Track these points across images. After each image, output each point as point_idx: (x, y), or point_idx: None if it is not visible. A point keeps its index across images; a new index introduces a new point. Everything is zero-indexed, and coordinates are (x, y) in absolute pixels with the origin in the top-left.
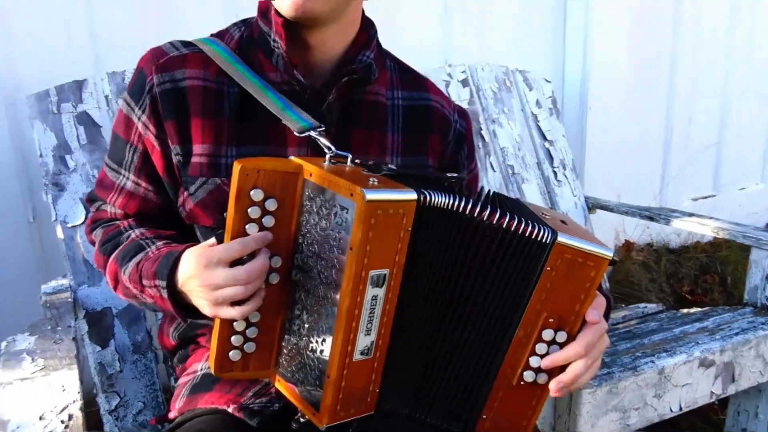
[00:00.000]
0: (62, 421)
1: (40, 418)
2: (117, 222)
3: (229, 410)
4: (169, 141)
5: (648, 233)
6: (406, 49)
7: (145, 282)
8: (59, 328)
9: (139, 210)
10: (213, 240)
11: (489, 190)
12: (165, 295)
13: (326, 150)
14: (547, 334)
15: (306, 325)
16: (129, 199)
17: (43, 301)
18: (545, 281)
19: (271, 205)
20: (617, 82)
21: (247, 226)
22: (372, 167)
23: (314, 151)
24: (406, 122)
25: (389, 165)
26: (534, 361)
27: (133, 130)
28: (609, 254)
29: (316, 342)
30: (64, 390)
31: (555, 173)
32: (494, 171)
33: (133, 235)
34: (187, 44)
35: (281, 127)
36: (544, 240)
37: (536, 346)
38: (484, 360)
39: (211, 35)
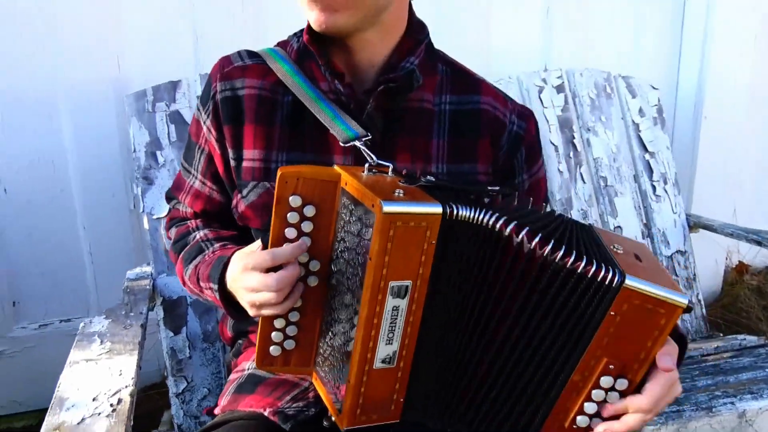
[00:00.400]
0: (111, 405)
1: (93, 399)
2: (187, 222)
3: (265, 413)
4: (227, 144)
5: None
6: (500, 52)
7: (202, 284)
8: (132, 313)
9: (204, 208)
10: (259, 243)
11: (553, 212)
12: (218, 296)
13: (368, 159)
14: (606, 381)
15: (337, 329)
16: (196, 197)
17: (124, 286)
18: (608, 326)
19: (310, 211)
20: (739, 89)
21: (286, 230)
22: (411, 178)
23: (359, 159)
24: (453, 128)
25: (428, 176)
26: (589, 407)
27: (201, 133)
28: (684, 301)
29: (345, 346)
30: (120, 374)
31: (654, 187)
32: (584, 183)
33: (198, 236)
34: (252, 55)
35: (329, 135)
36: (608, 283)
37: (593, 392)
38: (533, 396)
39: (276, 45)
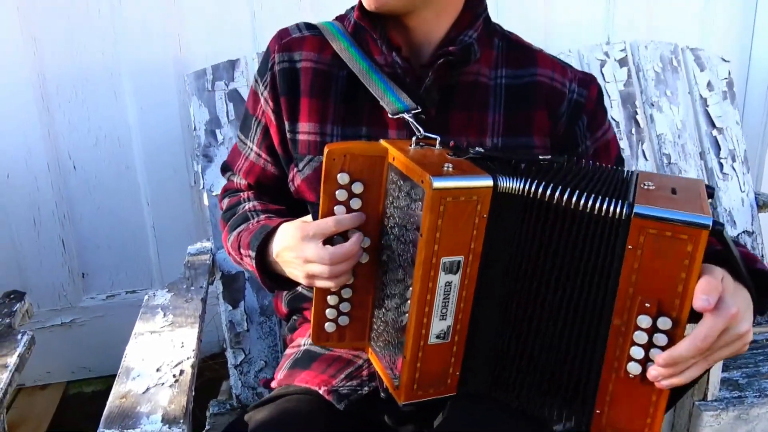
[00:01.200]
0: (174, 375)
1: (157, 370)
2: (240, 193)
3: (320, 392)
4: (284, 116)
5: None
6: (562, 25)
7: (242, 251)
8: (192, 287)
9: (258, 180)
10: (310, 217)
11: (590, 163)
12: (254, 264)
13: (416, 132)
14: (644, 320)
15: (390, 304)
16: (250, 169)
17: (185, 261)
18: (631, 261)
19: (357, 188)
20: None
21: (335, 208)
22: (459, 150)
23: (412, 134)
24: (508, 101)
25: (477, 148)
26: (636, 352)
27: (258, 105)
28: (706, 222)
29: (398, 322)
30: (182, 346)
31: (721, 165)
32: (646, 160)
33: (246, 207)
34: (310, 27)
35: (384, 110)
36: (616, 215)
37: (635, 334)
38: (582, 350)
39: (334, 19)
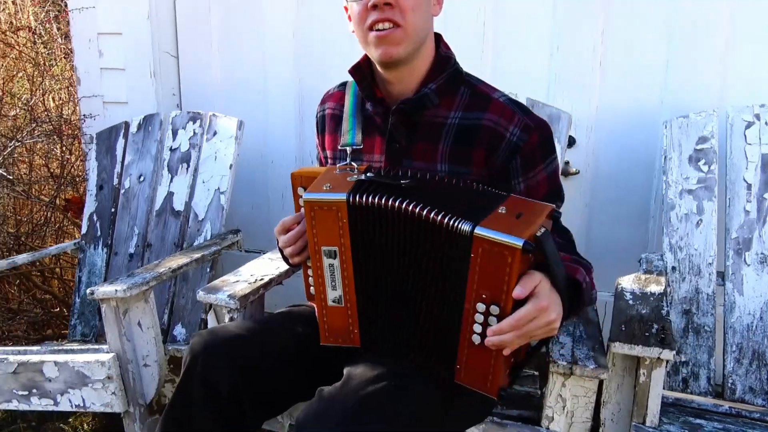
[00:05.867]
0: (255, 279)
1: (251, 275)
2: None
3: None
4: (322, 147)
5: None
6: (736, 84)
7: None
8: None
9: None
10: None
11: (478, 185)
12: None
13: (348, 161)
14: (481, 307)
15: None
16: None
17: None
18: (474, 265)
19: None
20: None
21: (302, 208)
22: (363, 174)
23: (390, 159)
24: (456, 137)
25: (369, 174)
26: (476, 328)
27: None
28: (518, 243)
29: None
30: (277, 268)
31: None
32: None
33: None
34: (342, 84)
35: (375, 141)
36: (462, 233)
37: (475, 315)
38: (447, 324)
39: None
